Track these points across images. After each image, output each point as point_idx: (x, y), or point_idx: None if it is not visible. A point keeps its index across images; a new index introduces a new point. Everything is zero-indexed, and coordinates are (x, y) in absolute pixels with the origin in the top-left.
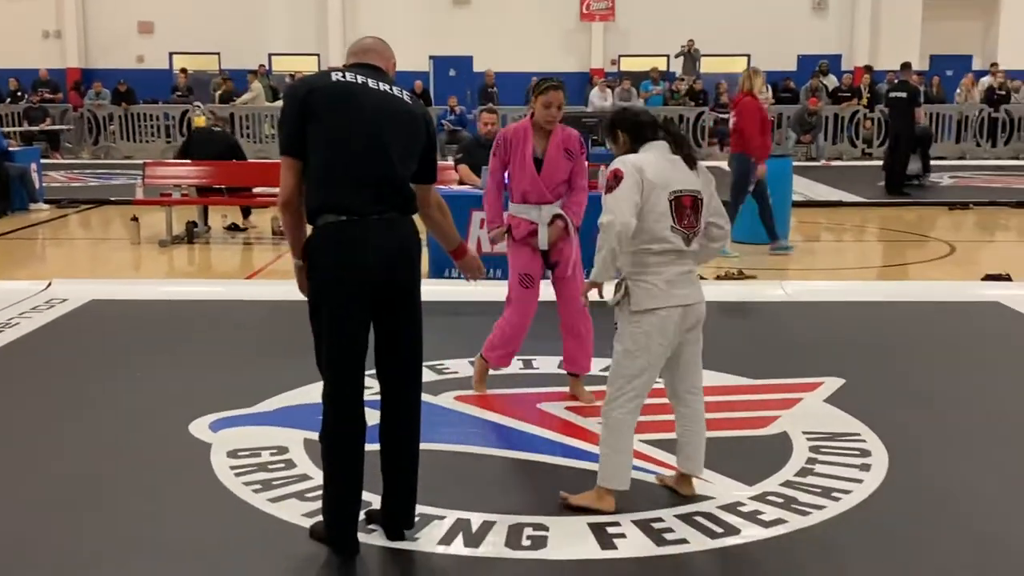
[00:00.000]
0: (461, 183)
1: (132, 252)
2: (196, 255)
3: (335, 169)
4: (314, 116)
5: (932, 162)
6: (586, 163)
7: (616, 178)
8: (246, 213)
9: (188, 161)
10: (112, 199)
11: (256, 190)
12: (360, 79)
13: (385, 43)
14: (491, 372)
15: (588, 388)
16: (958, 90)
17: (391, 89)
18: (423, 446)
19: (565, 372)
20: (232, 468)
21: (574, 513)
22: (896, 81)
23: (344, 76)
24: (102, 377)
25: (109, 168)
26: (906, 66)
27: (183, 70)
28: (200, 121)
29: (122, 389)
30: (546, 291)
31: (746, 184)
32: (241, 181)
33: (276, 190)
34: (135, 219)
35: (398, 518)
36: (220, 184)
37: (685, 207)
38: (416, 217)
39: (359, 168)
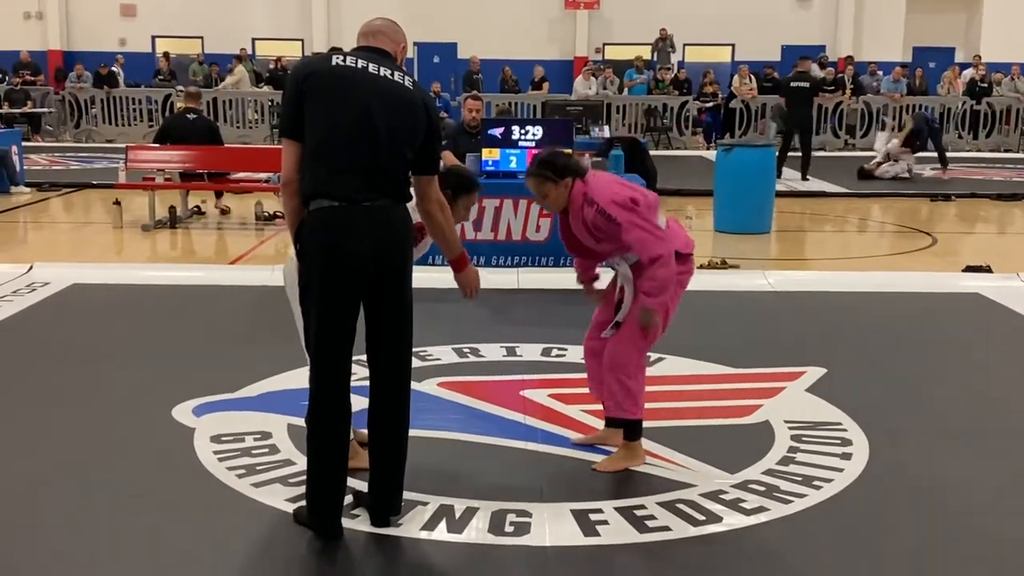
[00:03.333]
0: None
1: (114, 236)
2: (179, 240)
3: (328, 154)
4: (311, 100)
5: (916, 155)
6: (635, 225)
7: None
8: (219, 194)
9: (171, 145)
10: (94, 183)
11: (237, 175)
12: (361, 63)
13: (396, 26)
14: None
15: None
16: (940, 82)
17: (392, 75)
18: None
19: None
20: (215, 453)
21: (557, 499)
22: (796, 71)
23: (344, 60)
24: (84, 361)
25: (91, 152)
26: (805, 57)
27: (165, 54)
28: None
29: (104, 374)
30: (532, 278)
31: None
32: (224, 166)
33: (258, 175)
34: (117, 203)
35: (384, 505)
36: (203, 169)
37: None
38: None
39: (351, 154)
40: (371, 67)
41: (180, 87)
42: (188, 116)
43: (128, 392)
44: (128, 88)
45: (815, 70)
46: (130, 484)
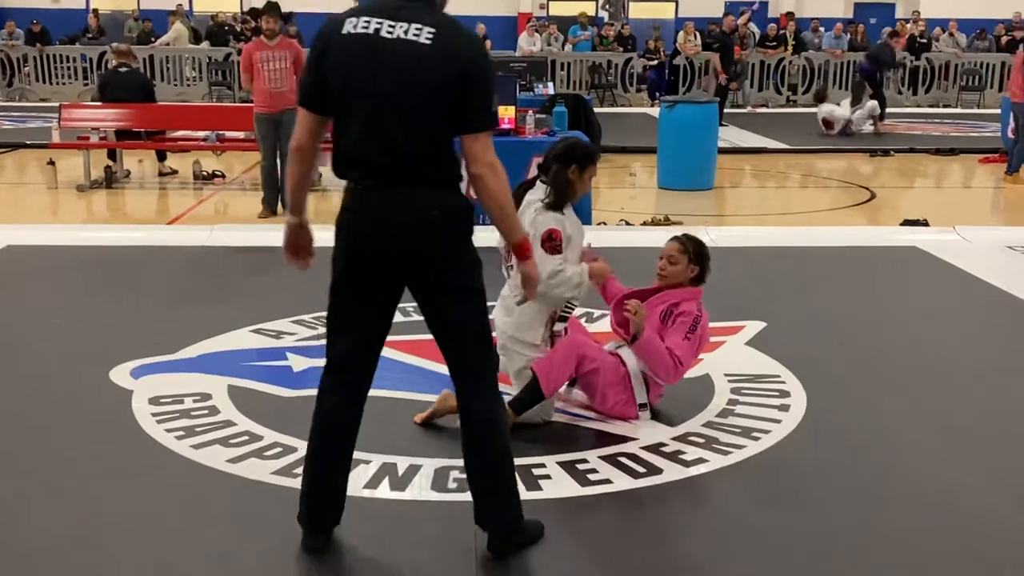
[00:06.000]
0: None
1: (49, 197)
2: (115, 200)
3: (345, 135)
4: (328, 75)
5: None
6: (688, 345)
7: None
8: (161, 157)
9: (105, 103)
10: (28, 143)
11: (175, 134)
12: (374, 26)
13: None
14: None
15: None
16: (881, 38)
17: (407, 32)
18: None
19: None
20: (154, 415)
21: None
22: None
23: (356, 27)
24: (19, 324)
25: (24, 111)
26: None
27: (94, 11)
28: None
29: (40, 336)
30: (476, 236)
31: None
32: (161, 124)
33: (196, 134)
34: (52, 163)
35: (491, 527)
36: (139, 127)
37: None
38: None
39: (365, 137)
40: (385, 29)
41: (114, 44)
42: (120, 71)
43: (65, 354)
44: (62, 46)
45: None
46: (67, 446)
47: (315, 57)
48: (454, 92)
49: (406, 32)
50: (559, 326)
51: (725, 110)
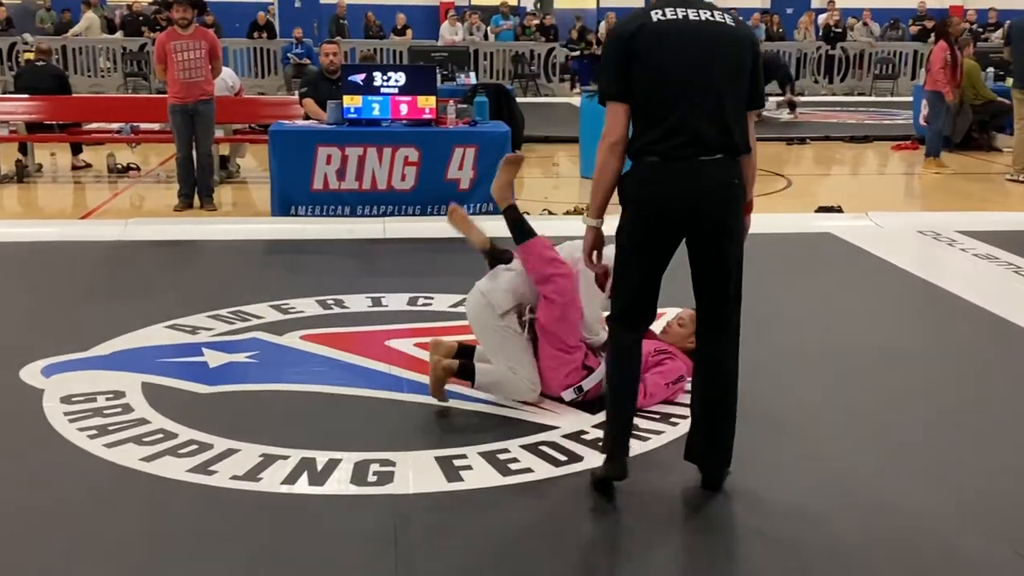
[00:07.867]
0: (307, 118)
1: None
2: (27, 195)
3: (653, 113)
4: (638, 59)
5: (773, 98)
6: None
7: None
8: (76, 150)
9: (17, 95)
10: None
11: (89, 126)
12: (681, 13)
13: None
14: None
15: None
16: (797, 28)
17: (712, 15)
18: (269, 387)
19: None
20: (66, 414)
21: (421, 447)
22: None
23: (665, 14)
24: None
25: None
26: None
27: (0, 3)
28: (29, 56)
29: None
30: (398, 227)
31: None
32: (73, 116)
33: (111, 126)
34: None
35: (712, 472)
36: (51, 120)
37: None
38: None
39: (673, 112)
40: (691, 14)
41: (27, 34)
42: (37, 64)
43: None
44: None
45: None
46: None
47: (623, 49)
48: (750, 70)
49: (712, 15)
50: (528, 316)
51: None
